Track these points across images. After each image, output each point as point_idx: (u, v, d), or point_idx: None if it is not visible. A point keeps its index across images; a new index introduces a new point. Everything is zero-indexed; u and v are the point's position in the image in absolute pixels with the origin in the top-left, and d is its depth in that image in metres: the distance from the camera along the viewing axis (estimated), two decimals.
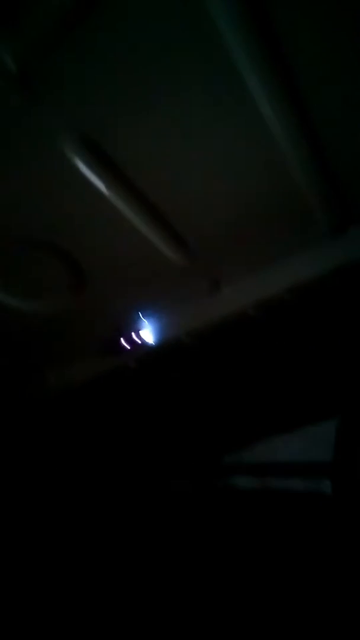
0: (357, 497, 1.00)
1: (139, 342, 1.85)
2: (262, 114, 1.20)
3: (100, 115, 1.17)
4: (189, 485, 1.28)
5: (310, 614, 0.93)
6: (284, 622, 0.95)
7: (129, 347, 1.86)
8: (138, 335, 1.85)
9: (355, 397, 1.31)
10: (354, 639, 0.88)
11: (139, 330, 1.87)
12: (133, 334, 1.86)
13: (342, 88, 1.20)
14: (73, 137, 1.19)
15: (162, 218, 1.46)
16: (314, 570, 0.94)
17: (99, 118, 1.17)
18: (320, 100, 1.21)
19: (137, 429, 1.86)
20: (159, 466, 1.65)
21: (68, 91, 1.11)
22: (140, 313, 1.84)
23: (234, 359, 1.75)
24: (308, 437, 1.18)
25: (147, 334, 1.86)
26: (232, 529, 1.09)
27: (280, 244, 1.60)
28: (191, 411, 1.76)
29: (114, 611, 1.24)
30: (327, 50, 1.11)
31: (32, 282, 1.65)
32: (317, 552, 0.97)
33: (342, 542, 0.95)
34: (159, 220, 1.46)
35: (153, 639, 1.11)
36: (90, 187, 1.33)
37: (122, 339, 1.87)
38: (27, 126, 1.16)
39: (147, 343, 1.85)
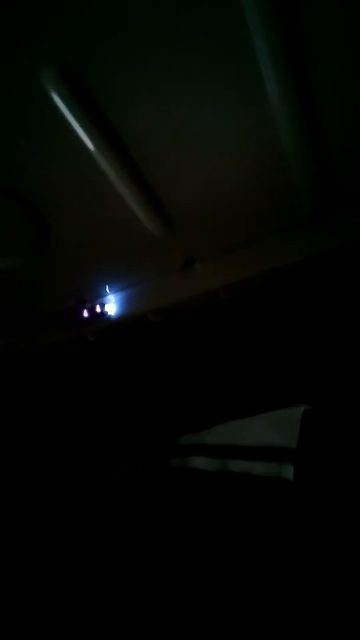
0: (319, 484, 0.95)
1: (101, 315, 1.74)
2: (265, 87, 1.14)
3: (89, 45, 1.05)
4: (147, 464, 1.19)
5: (268, 600, 0.87)
6: (242, 609, 0.89)
7: (89, 319, 1.74)
8: (100, 308, 1.74)
9: (320, 385, 1.28)
10: (312, 625, 0.83)
11: (102, 302, 1.75)
12: (95, 305, 1.75)
13: (346, 67, 1.16)
14: (53, 64, 1.06)
15: (144, 181, 1.36)
16: (272, 556, 0.89)
17: (88, 49, 1.05)
18: (323, 78, 1.16)
19: (90, 405, 1.74)
20: (112, 444, 1.55)
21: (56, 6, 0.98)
22: (105, 284, 1.73)
23: (199, 340, 1.68)
24: (271, 423, 1.12)
25: (111, 307, 1.75)
26: (189, 511, 1.02)
27: (260, 227, 1.55)
28: (148, 390, 1.67)
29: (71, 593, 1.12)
30: (336, 25, 1.06)
31: None
32: (276, 538, 0.92)
33: (302, 528, 0.90)
34: (140, 182, 1.36)
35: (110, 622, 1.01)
36: (68, 131, 1.20)
37: (82, 310, 1.75)
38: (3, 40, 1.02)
39: (109, 317, 1.74)
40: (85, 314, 1.74)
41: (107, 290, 1.75)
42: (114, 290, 1.74)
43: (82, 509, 1.35)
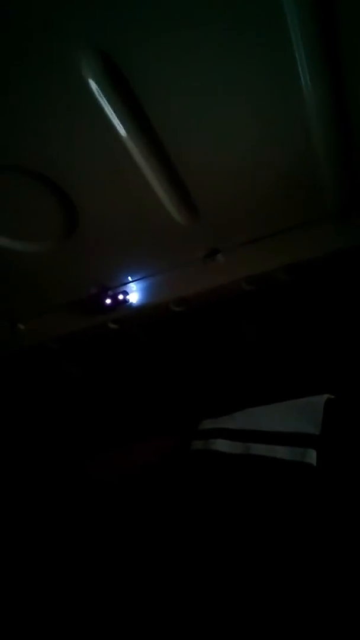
0: (343, 470, 0.96)
1: (123, 302, 1.77)
2: (302, 82, 1.15)
3: (130, 35, 1.07)
4: (168, 444, 1.21)
5: (290, 585, 0.89)
6: (263, 594, 0.90)
7: (111, 306, 1.77)
8: (123, 296, 1.77)
9: (343, 377, 1.29)
10: (333, 612, 0.84)
11: (125, 290, 1.78)
12: (117, 293, 1.77)
13: None
14: (93, 52, 1.09)
15: (174, 169, 1.37)
16: (295, 542, 0.90)
17: (129, 39, 1.07)
18: (356, 73, 1.17)
19: (112, 389, 1.77)
20: (131, 430, 1.57)
21: None
22: (128, 272, 1.75)
23: (220, 330, 1.69)
24: (293, 410, 1.13)
25: (133, 295, 1.77)
26: (211, 492, 1.03)
27: (285, 220, 1.56)
28: (169, 377, 1.69)
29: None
30: None
31: (15, 216, 1.52)
32: (298, 521, 0.93)
33: (324, 512, 0.91)
34: (169, 171, 1.38)
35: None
36: (102, 118, 1.23)
37: (105, 297, 1.78)
38: (44, 25, 1.04)
39: (131, 305, 1.77)
40: (108, 301, 1.77)
41: (130, 278, 1.77)
42: (137, 278, 1.77)
43: (100, 492, 1.38)
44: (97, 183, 1.42)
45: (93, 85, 1.15)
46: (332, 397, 1.11)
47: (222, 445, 1.10)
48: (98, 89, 1.16)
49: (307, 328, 1.53)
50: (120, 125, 1.25)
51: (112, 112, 1.22)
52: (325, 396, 1.10)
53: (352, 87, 1.19)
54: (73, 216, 1.50)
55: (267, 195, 1.46)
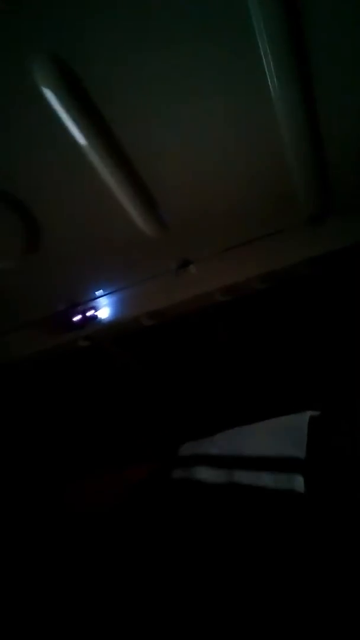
0: (332, 496, 0.92)
1: (93, 318, 1.68)
2: (270, 84, 1.10)
3: (83, 37, 0.99)
4: (145, 474, 1.14)
5: (280, 618, 0.83)
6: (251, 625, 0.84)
7: (80, 323, 1.68)
8: (92, 311, 1.68)
9: (324, 390, 1.25)
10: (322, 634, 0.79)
11: (94, 305, 1.69)
12: (87, 308, 1.69)
13: (345, 74, 1.13)
14: (47, 58, 1.00)
15: (139, 179, 1.30)
16: (285, 575, 0.85)
17: (81, 40, 0.99)
18: (328, 85, 1.13)
19: (83, 412, 1.68)
20: (109, 453, 1.49)
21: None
22: (97, 286, 1.67)
23: (195, 344, 1.63)
24: (276, 431, 1.08)
25: (103, 311, 1.69)
26: (194, 527, 0.97)
27: (258, 229, 1.51)
28: (143, 397, 1.62)
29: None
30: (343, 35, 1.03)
31: None
32: (290, 555, 0.87)
33: (317, 544, 0.86)
34: (134, 181, 1.30)
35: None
36: (60, 128, 1.14)
37: (73, 313, 1.68)
38: None
39: (101, 321, 1.68)
40: (77, 317, 1.68)
41: (99, 292, 1.69)
42: (106, 292, 1.68)
43: (74, 523, 1.29)
44: (59, 196, 1.33)
45: (48, 93, 1.07)
46: (315, 414, 1.07)
47: (204, 473, 1.03)
48: (54, 97, 1.08)
49: (285, 337, 1.49)
50: (80, 134, 1.16)
51: (71, 121, 1.13)
52: (308, 414, 1.06)
53: (322, 93, 1.14)
54: (35, 231, 1.41)
55: (239, 204, 1.41)
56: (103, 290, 1.67)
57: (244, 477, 1.00)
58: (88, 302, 1.70)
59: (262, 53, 1.04)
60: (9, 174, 1.25)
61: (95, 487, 1.33)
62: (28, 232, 1.40)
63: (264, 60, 1.06)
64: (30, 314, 1.74)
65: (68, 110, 1.11)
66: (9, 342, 1.79)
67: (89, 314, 1.67)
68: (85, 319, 1.67)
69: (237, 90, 1.12)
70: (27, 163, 1.24)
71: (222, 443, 1.11)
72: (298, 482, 0.94)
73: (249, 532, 0.92)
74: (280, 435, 1.06)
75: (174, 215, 1.41)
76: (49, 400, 1.78)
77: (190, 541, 0.98)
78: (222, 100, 1.15)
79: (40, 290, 1.65)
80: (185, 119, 1.17)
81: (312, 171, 1.34)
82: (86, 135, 1.17)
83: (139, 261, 1.57)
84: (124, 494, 1.19)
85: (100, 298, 1.69)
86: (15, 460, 1.76)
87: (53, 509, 1.43)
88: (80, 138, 1.17)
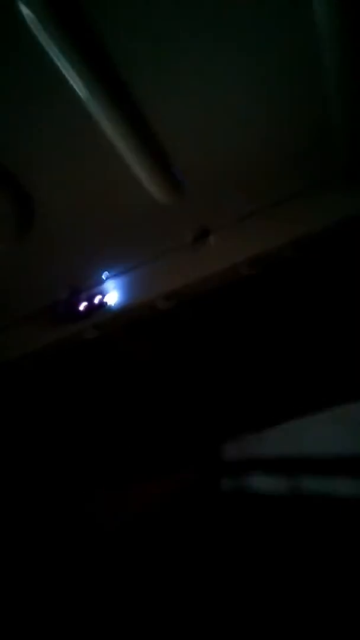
0: None
1: (100, 306, 1.47)
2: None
3: None
4: (177, 486, 0.94)
5: None
6: None
7: (85, 312, 1.47)
8: (99, 297, 1.46)
9: None
10: None
11: (101, 291, 1.48)
12: (92, 295, 1.47)
13: None
14: None
15: (150, 136, 1.09)
16: None
17: None
18: None
19: (97, 414, 1.47)
20: (130, 461, 1.29)
21: None
22: (102, 268, 1.45)
23: (219, 328, 1.43)
24: (338, 424, 0.88)
25: (111, 296, 1.47)
26: (251, 554, 0.78)
27: (288, 188, 1.30)
28: (167, 392, 1.42)
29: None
30: None
31: None
32: None
33: None
34: (144, 139, 1.09)
35: None
36: (55, 75, 0.93)
37: (77, 301, 1.47)
38: None
39: (110, 308, 1.47)
40: (81, 306, 1.47)
41: (105, 275, 1.47)
42: (114, 274, 1.47)
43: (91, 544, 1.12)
44: (55, 160, 1.11)
45: (40, 31, 0.84)
46: None
47: (260, 482, 0.84)
48: (48, 37, 0.85)
49: (330, 314, 1.29)
50: (79, 81, 0.94)
51: (69, 68, 0.91)
52: None
53: None
54: (28, 207, 1.19)
55: (265, 161, 1.19)
56: (110, 272, 1.46)
57: (312, 484, 0.80)
58: (93, 286, 1.48)
59: None
60: None
61: (121, 499, 1.14)
62: (19, 208, 1.19)
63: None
64: (26, 305, 1.53)
65: (65, 55, 0.89)
66: (5, 339, 1.58)
67: (95, 300, 1.46)
68: (91, 307, 1.46)
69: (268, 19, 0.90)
70: (14, 122, 1.01)
71: (276, 441, 0.91)
72: None
73: (322, 557, 0.73)
74: (344, 427, 0.86)
75: (190, 175, 1.19)
76: (56, 403, 1.58)
77: (249, 570, 0.79)
78: (252, 27, 0.92)
79: (36, 277, 1.44)
80: (208, 50, 0.95)
81: (353, 122, 1.13)
82: (89, 87, 0.95)
83: (150, 234, 1.35)
84: (155, 509, 0.99)
85: (107, 281, 1.48)
86: (29, 470, 1.56)
87: (75, 521, 1.24)
88: (80, 87, 0.95)
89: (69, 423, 1.53)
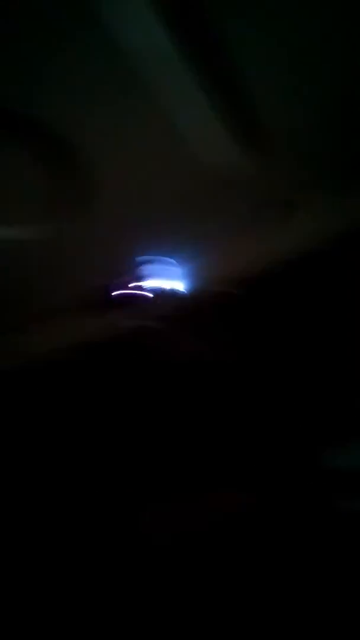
0: None
1: (164, 292, 1.30)
2: None
3: None
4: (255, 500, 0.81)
5: None
6: None
7: (148, 300, 1.31)
8: (163, 283, 1.30)
9: None
10: None
11: (166, 275, 1.30)
12: (156, 280, 1.30)
13: None
14: None
15: (233, 84, 0.87)
16: None
17: None
18: None
19: (143, 416, 1.33)
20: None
21: None
22: (169, 250, 1.28)
23: (300, 315, 1.23)
24: None
25: (177, 282, 1.30)
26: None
27: None
28: (229, 389, 1.25)
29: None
30: None
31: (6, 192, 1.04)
32: None
33: None
34: (227, 88, 0.87)
35: None
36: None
37: (138, 288, 1.31)
38: None
39: (175, 294, 1.30)
40: (142, 292, 1.31)
41: (171, 256, 1.30)
42: (181, 256, 1.29)
43: None
44: (119, 127, 0.93)
45: None
46: None
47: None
48: None
49: None
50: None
51: None
52: None
53: None
54: (88, 180, 1.03)
55: None
56: (178, 253, 1.29)
57: None
58: (138, 273, 1.32)
59: None
60: (43, 97, 0.85)
61: (175, 513, 1.02)
62: (77, 182, 1.03)
63: None
64: (65, 294, 1.39)
65: None
66: (48, 328, 1.45)
67: (138, 287, 1.30)
68: (154, 294, 1.30)
69: None
70: (66, 76, 0.83)
71: None
72: None
73: None
74: None
75: (284, 141, 0.98)
76: (93, 400, 1.44)
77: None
78: None
79: (91, 261, 1.29)
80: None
81: None
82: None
83: (221, 205, 1.16)
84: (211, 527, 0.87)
85: (173, 264, 1.31)
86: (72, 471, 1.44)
87: (124, 532, 1.14)
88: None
89: (114, 419, 1.40)
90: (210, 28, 0.81)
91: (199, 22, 0.79)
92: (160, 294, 1.32)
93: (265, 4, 0.77)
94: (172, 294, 1.33)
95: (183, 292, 1.33)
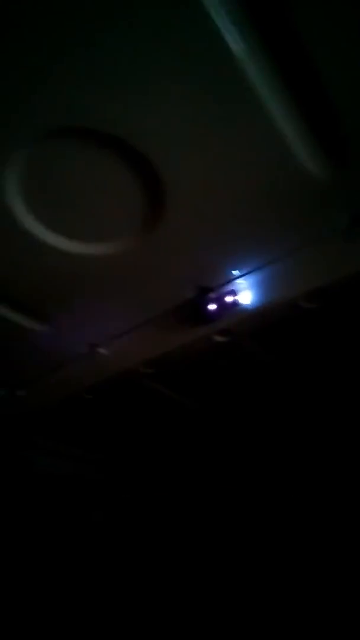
0: None
1: (232, 306, 1.29)
2: None
3: None
4: None
5: None
6: None
7: (216, 313, 1.30)
8: (231, 297, 1.28)
9: None
10: None
11: (232, 289, 1.29)
12: (222, 294, 1.29)
13: None
14: None
15: (317, 86, 0.87)
16: None
17: None
18: None
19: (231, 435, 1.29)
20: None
21: None
22: (235, 263, 1.27)
23: None
24: None
25: (245, 294, 1.28)
26: None
27: None
28: (322, 407, 1.18)
29: None
30: None
31: (81, 207, 1.10)
32: None
33: None
34: (306, 91, 0.88)
35: None
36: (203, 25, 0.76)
37: (206, 301, 1.31)
38: None
39: (244, 308, 1.28)
40: (211, 306, 1.30)
41: (237, 272, 1.29)
42: (247, 271, 1.28)
43: None
44: (191, 133, 0.95)
45: None
46: None
47: None
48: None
49: None
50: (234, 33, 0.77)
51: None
52: None
53: None
54: (159, 195, 1.05)
55: None
56: (243, 267, 1.27)
57: None
58: (223, 285, 1.31)
59: None
60: (117, 110, 0.89)
61: None
62: (149, 196, 1.06)
63: None
64: (149, 308, 1.40)
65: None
66: (129, 344, 1.47)
67: (227, 300, 1.28)
68: (223, 307, 1.29)
69: None
70: (147, 91, 0.88)
71: None
72: None
73: None
74: None
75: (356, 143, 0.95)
76: (189, 411, 1.42)
77: None
78: None
79: (161, 276, 1.31)
80: None
81: None
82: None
83: (296, 219, 1.14)
84: None
85: (239, 279, 1.29)
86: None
87: None
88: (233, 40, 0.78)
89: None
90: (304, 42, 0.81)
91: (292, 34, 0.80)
92: (248, 307, 1.27)
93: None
94: (258, 307, 1.28)
95: (266, 305, 1.27)
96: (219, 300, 1.29)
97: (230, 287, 1.30)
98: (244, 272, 1.27)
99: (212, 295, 1.31)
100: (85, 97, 0.88)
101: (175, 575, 1.37)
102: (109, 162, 1.00)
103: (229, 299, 1.28)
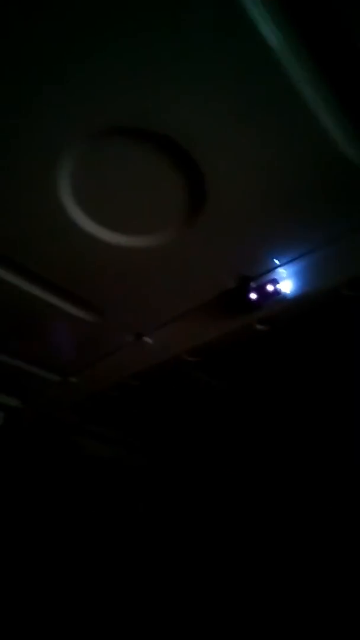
0: None
1: (274, 295, 1.32)
2: None
3: None
4: None
5: None
6: None
7: (257, 302, 1.34)
8: (272, 286, 1.32)
9: None
10: None
11: (273, 278, 1.33)
12: (264, 283, 1.33)
13: None
14: None
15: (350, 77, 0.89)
16: None
17: None
18: None
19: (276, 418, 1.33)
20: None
21: None
22: (276, 251, 1.30)
23: None
24: None
25: (286, 283, 1.31)
26: None
27: None
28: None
29: None
30: None
31: (126, 201, 1.16)
32: None
33: None
34: (343, 83, 0.90)
35: None
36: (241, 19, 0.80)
37: (247, 291, 1.35)
38: None
39: (285, 297, 1.31)
40: (253, 295, 1.34)
41: (278, 261, 1.32)
42: (289, 259, 1.30)
43: None
44: (232, 128, 0.99)
45: None
46: None
47: None
48: None
49: None
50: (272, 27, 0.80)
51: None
52: None
53: None
54: (200, 188, 1.10)
55: None
56: (283, 256, 1.30)
57: None
58: (264, 274, 1.34)
59: None
60: (159, 106, 0.94)
61: None
62: (192, 190, 1.10)
63: None
64: (191, 297, 1.46)
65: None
66: (172, 333, 1.53)
67: (268, 288, 1.31)
68: (264, 296, 1.32)
69: None
70: (196, 91, 0.92)
71: None
72: None
73: None
74: None
75: None
76: (230, 401, 1.47)
77: None
78: None
79: (204, 265, 1.35)
80: None
81: None
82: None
83: (338, 206, 1.15)
84: None
85: (280, 268, 1.32)
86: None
87: None
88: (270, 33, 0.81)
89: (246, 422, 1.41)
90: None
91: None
92: (289, 295, 1.30)
93: None
94: (299, 296, 1.30)
95: (307, 293, 1.29)
96: (260, 289, 1.33)
97: (271, 276, 1.33)
98: (285, 260, 1.30)
99: (253, 284, 1.35)
100: (146, 101, 0.93)
101: (235, 572, 1.34)
102: (155, 158, 1.05)
103: (270, 287, 1.32)
